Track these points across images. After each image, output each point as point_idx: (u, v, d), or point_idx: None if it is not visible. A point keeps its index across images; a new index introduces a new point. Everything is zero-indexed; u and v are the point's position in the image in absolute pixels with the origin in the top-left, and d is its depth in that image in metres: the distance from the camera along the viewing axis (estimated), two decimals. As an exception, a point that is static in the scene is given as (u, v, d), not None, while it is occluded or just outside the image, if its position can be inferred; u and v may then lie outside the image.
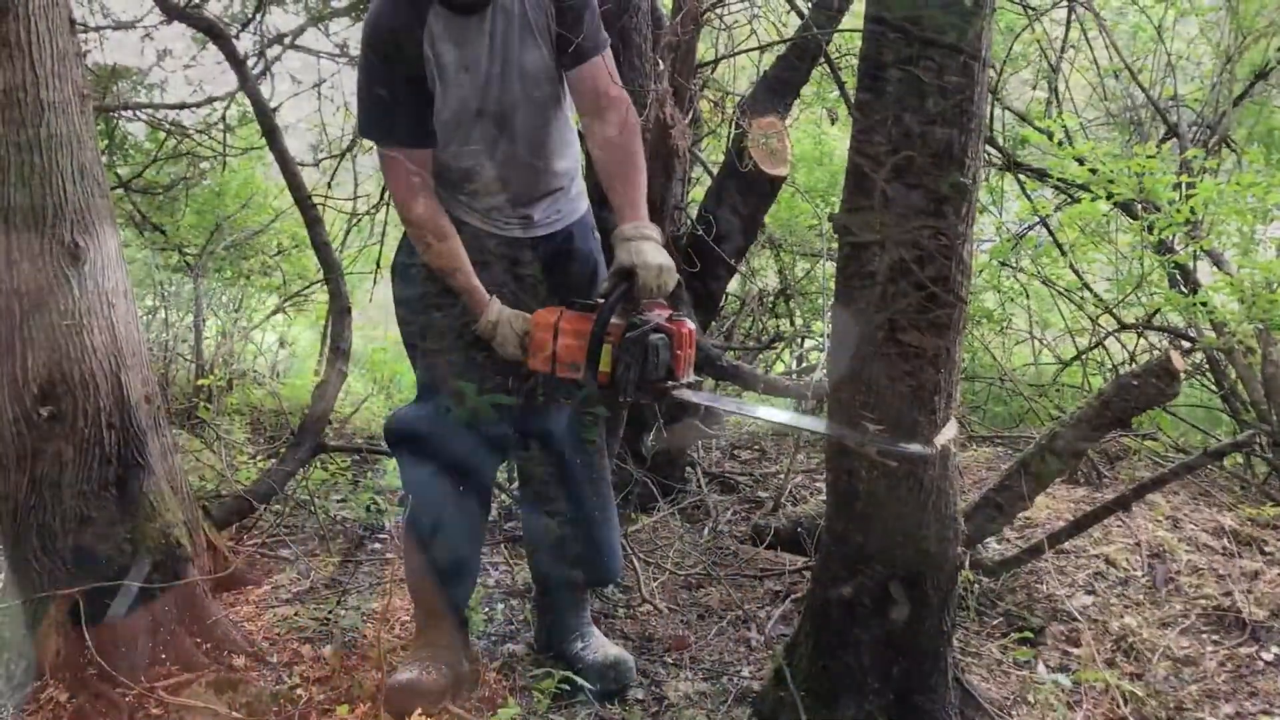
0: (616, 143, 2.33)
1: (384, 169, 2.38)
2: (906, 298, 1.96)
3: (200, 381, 5.44)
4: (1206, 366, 4.69)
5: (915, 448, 2.01)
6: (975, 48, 1.86)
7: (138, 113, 5.21)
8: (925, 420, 2.04)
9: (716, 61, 3.74)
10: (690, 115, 3.33)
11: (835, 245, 5.32)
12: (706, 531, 3.72)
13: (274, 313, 6.30)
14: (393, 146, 2.33)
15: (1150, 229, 4.21)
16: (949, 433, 2.08)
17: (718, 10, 3.41)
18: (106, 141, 5.05)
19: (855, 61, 4.39)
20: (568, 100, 2.43)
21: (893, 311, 1.98)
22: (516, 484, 3.66)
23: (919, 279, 1.95)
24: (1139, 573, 3.22)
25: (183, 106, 5.17)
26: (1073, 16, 4.93)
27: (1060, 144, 4.32)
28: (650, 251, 2.23)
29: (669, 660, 2.70)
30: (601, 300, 2.24)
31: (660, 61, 3.03)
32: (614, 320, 2.20)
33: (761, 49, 3.77)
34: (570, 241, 2.54)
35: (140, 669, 2.52)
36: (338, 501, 4.12)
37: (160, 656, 2.58)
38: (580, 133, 2.51)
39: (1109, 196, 4.10)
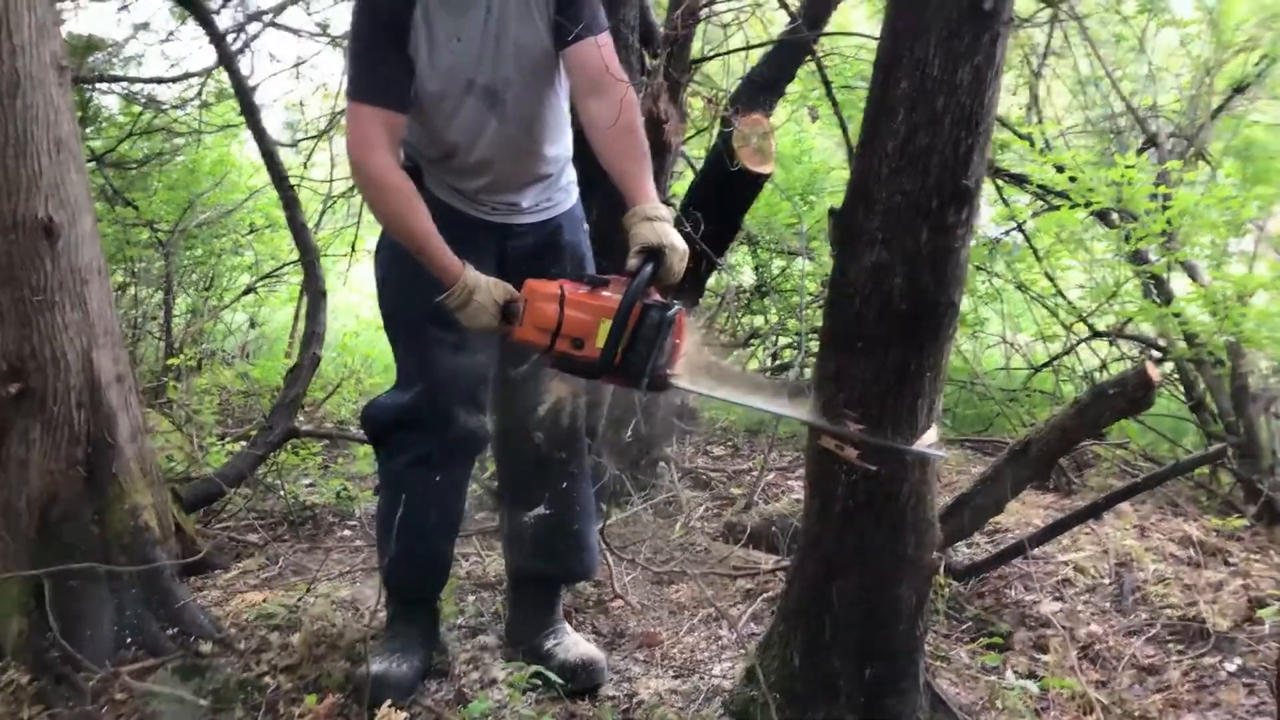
0: (620, 122, 2.27)
1: (348, 121, 2.27)
2: (899, 298, 1.96)
3: (170, 361, 5.38)
4: (1176, 376, 4.74)
5: (913, 446, 2.01)
6: (990, 52, 1.87)
7: (112, 85, 5.13)
8: (907, 424, 2.05)
9: (708, 59, 3.73)
10: (680, 111, 3.32)
11: (813, 244, 5.32)
12: (678, 527, 3.72)
13: (245, 292, 6.24)
14: (364, 102, 2.24)
15: (1127, 238, 4.25)
16: (930, 437, 2.08)
17: (714, 7, 3.40)
18: (80, 114, 4.97)
19: (841, 60, 4.44)
20: (563, 87, 2.40)
21: (884, 311, 1.98)
22: (489, 474, 3.65)
23: (913, 280, 1.95)
24: (1106, 581, 3.25)
25: (159, 81, 5.09)
26: (1055, 23, 4.96)
27: (1041, 151, 4.36)
28: (673, 233, 2.18)
29: (640, 657, 2.69)
30: (608, 278, 2.16)
31: (650, 58, 3.01)
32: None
33: (749, 48, 3.77)
34: (559, 234, 2.51)
35: (104, 653, 2.48)
36: (307, 486, 4.08)
37: (125, 640, 2.53)
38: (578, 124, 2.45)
39: (1087, 205, 4.14)
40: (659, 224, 2.17)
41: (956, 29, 1.85)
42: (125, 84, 5.16)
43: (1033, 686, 2.53)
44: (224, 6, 4.67)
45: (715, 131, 3.71)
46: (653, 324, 2.07)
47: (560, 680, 2.42)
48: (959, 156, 1.90)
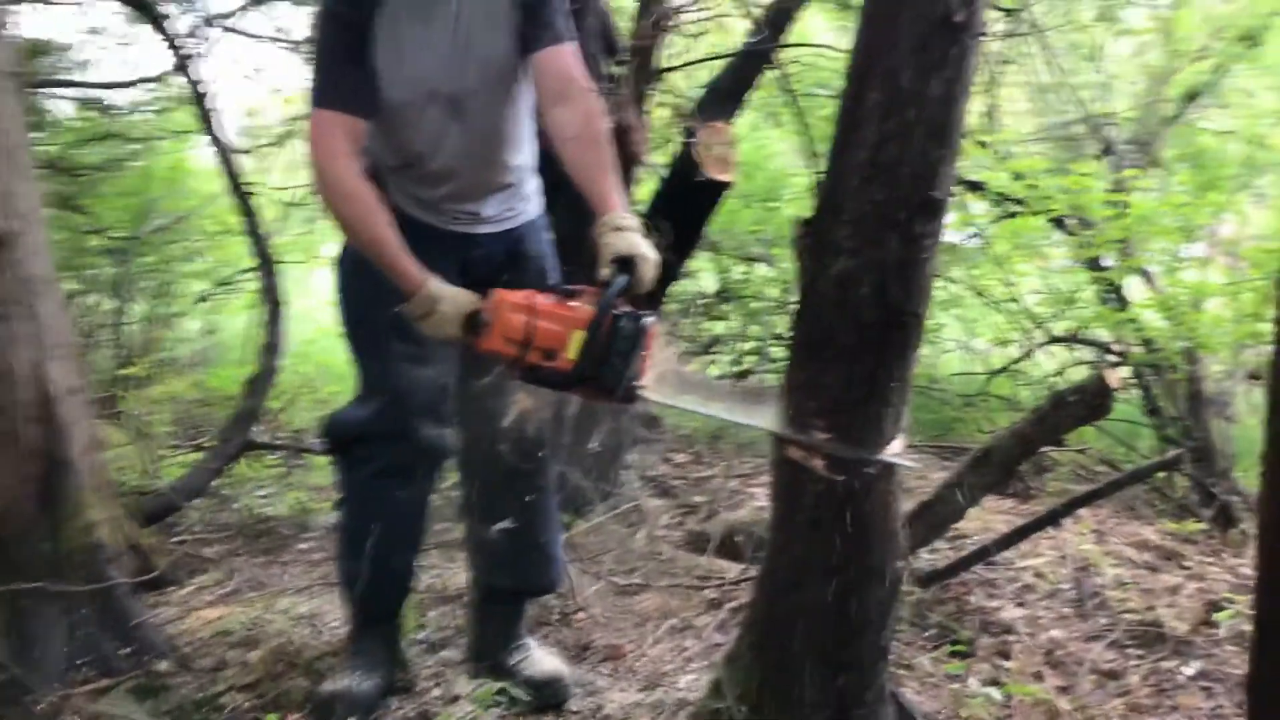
0: (587, 129, 2.24)
1: (310, 127, 2.22)
2: (868, 308, 1.97)
3: (123, 371, 5.29)
4: (1133, 381, 4.80)
5: (880, 456, 2.01)
6: (960, 65, 1.87)
7: (64, 90, 5.04)
8: (874, 433, 2.05)
9: (674, 69, 3.73)
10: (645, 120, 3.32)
11: (774, 250, 5.32)
12: (641, 537, 3.70)
13: (199, 300, 6.15)
14: (327, 108, 2.20)
15: (1085, 246, 4.31)
16: (896, 447, 2.08)
17: (682, 16, 3.40)
18: (34, 119, 4.88)
19: (802, 68, 4.45)
20: (527, 96, 2.38)
21: (853, 321, 1.98)
22: (449, 485, 3.62)
23: (882, 290, 1.95)
24: (1066, 586, 3.27)
25: (111, 86, 5.01)
26: (1011, 30, 5.00)
27: (1004, 159, 4.40)
28: (643, 242, 2.15)
29: (605, 670, 2.68)
30: (577, 288, 2.13)
31: (612, 67, 3.00)
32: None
33: (713, 58, 3.78)
34: (521, 243, 2.49)
35: (56, 674, 2.43)
36: (262, 498, 4.03)
37: (78, 661, 2.48)
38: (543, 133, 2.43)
39: (1046, 211, 4.19)
40: (629, 233, 2.14)
41: (927, 41, 1.86)
42: (78, 89, 5.07)
43: (996, 694, 2.54)
44: (183, 12, 4.61)
45: (679, 140, 3.70)
46: (627, 335, 2.04)
47: (525, 696, 2.40)
48: (928, 168, 1.91)
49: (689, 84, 3.96)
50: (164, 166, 5.92)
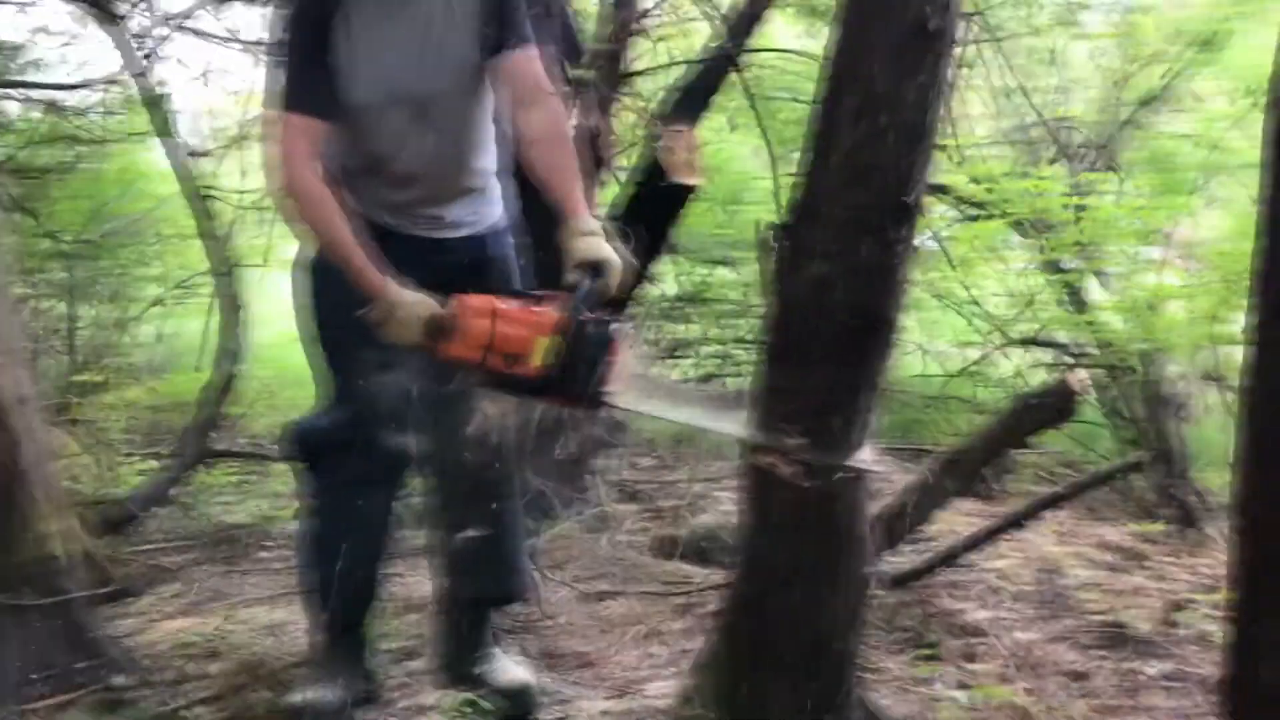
0: (553, 133, 2.23)
1: (271, 130, 2.21)
2: (841, 313, 1.97)
3: (75, 377, 5.18)
4: (1090, 383, 4.85)
5: (850, 461, 2.01)
6: (934, 71, 1.88)
7: (11, 91, 4.94)
8: (845, 439, 2.05)
9: (641, 73, 3.72)
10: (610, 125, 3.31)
11: (735, 252, 5.31)
12: (605, 542, 3.68)
13: (154, 304, 6.05)
14: (288, 110, 2.17)
15: (1042, 250, 4.36)
16: (866, 453, 2.08)
17: (645, 21, 3.40)
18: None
19: (760, 71, 4.45)
20: (491, 99, 2.36)
21: (826, 327, 1.98)
22: (413, 491, 3.58)
23: (855, 295, 1.96)
24: (1030, 587, 3.30)
25: (61, 87, 4.91)
26: (970, 35, 5.03)
27: (960, 163, 4.43)
28: (609, 248, 2.14)
29: (573, 679, 2.66)
30: (541, 293, 2.10)
31: (579, 70, 2.99)
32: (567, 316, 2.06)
33: (677, 64, 3.79)
34: (487, 248, 2.47)
35: (9, 691, 2.36)
36: (221, 504, 3.96)
37: (34, 676, 2.41)
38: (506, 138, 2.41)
39: (1004, 215, 4.22)
40: (595, 239, 2.12)
41: (902, 47, 1.88)
42: (24, 89, 4.96)
43: (962, 697, 2.55)
44: (134, 10, 4.52)
45: (645, 144, 3.70)
46: (593, 340, 2.02)
47: (493, 706, 2.38)
48: (901, 172, 1.92)
49: (655, 88, 3.95)
50: (116, 169, 5.81)
